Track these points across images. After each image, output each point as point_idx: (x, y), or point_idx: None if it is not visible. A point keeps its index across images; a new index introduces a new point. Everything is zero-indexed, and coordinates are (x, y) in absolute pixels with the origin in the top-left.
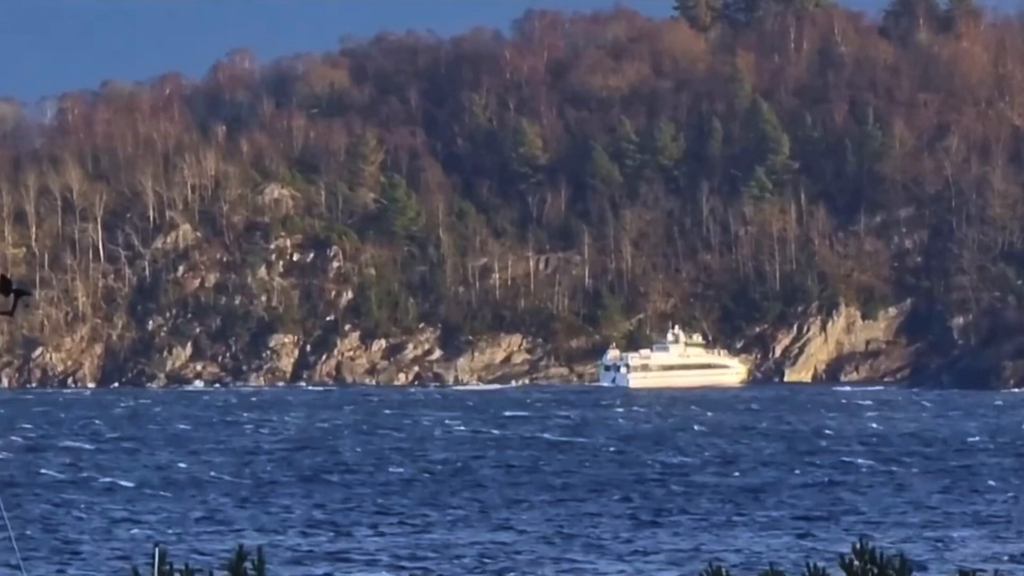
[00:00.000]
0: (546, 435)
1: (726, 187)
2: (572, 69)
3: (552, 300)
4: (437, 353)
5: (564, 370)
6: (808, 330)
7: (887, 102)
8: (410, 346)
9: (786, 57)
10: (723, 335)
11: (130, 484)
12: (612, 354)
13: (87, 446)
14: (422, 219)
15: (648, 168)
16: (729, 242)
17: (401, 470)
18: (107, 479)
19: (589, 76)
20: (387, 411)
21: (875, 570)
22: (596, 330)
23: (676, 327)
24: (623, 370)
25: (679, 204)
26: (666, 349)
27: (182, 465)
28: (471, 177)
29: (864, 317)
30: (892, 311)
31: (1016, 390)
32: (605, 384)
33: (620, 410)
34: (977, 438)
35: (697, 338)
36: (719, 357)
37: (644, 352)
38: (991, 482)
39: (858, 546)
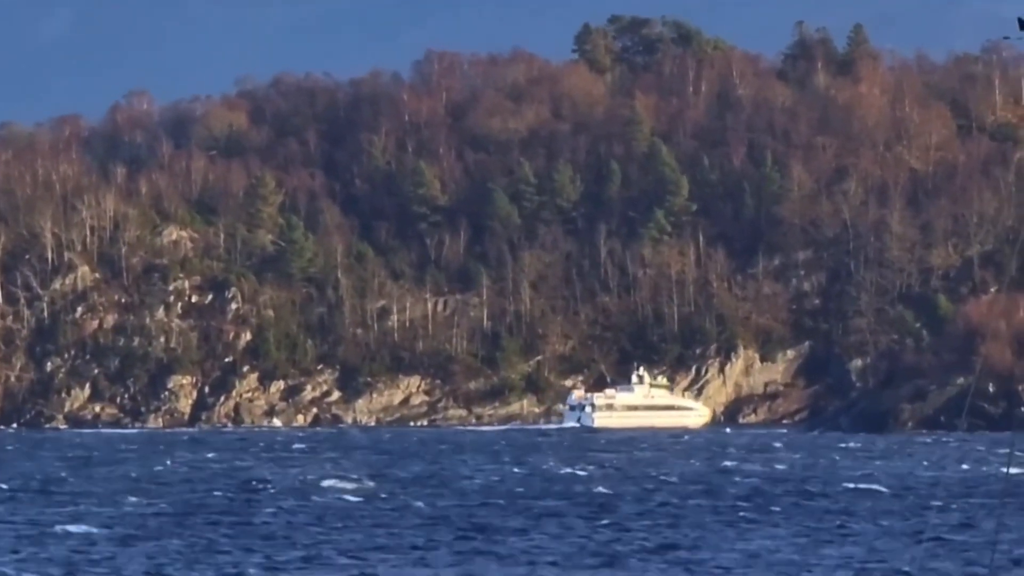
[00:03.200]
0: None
1: (624, 229)
2: (471, 111)
3: (451, 342)
4: (336, 394)
5: (463, 412)
6: (706, 372)
7: (785, 145)
8: (308, 387)
9: (684, 100)
10: (621, 377)
11: None
12: (577, 394)
13: None
14: (320, 261)
15: (547, 210)
16: (627, 284)
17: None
18: None
19: (488, 118)
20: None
21: None
22: (495, 372)
23: (640, 368)
24: (588, 409)
25: (577, 246)
26: (631, 390)
27: None
28: (369, 219)
29: (762, 359)
30: (790, 353)
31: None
32: (570, 424)
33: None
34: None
35: (662, 380)
36: (683, 399)
37: (609, 392)
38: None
39: None
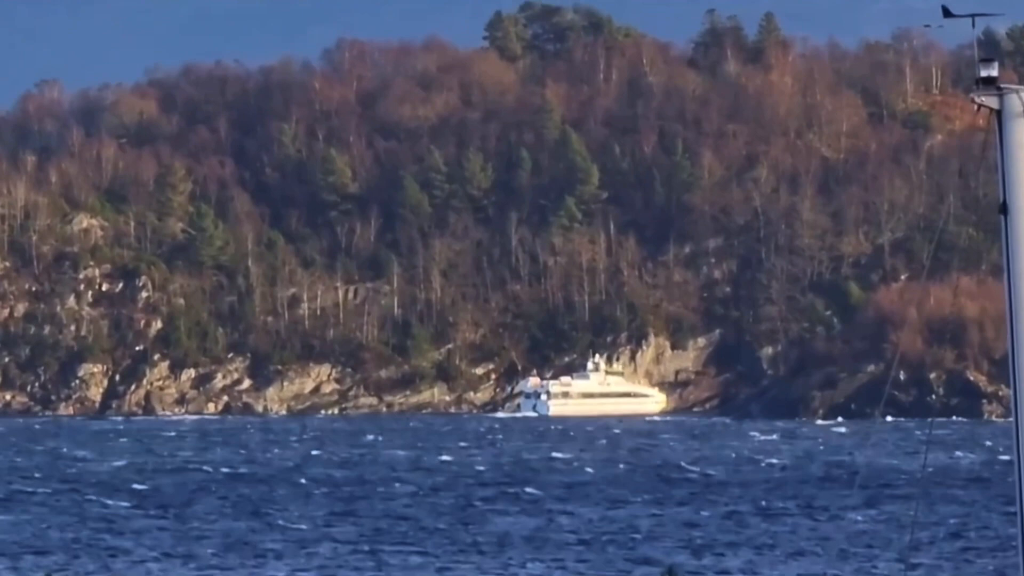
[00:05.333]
0: None
1: (535, 217)
2: (381, 99)
3: (361, 330)
4: (246, 383)
5: (373, 400)
6: (617, 360)
7: (696, 133)
8: (219, 376)
9: (595, 87)
10: (533, 365)
11: None
12: (533, 381)
13: None
14: (231, 249)
15: (457, 198)
16: (538, 272)
17: None
18: None
19: (398, 106)
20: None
21: None
22: (405, 360)
23: (596, 355)
24: (543, 397)
25: (488, 234)
26: (587, 377)
27: None
28: (280, 207)
29: (673, 347)
30: (701, 341)
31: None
32: (526, 413)
33: None
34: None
35: (618, 366)
36: (639, 386)
37: (565, 379)
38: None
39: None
